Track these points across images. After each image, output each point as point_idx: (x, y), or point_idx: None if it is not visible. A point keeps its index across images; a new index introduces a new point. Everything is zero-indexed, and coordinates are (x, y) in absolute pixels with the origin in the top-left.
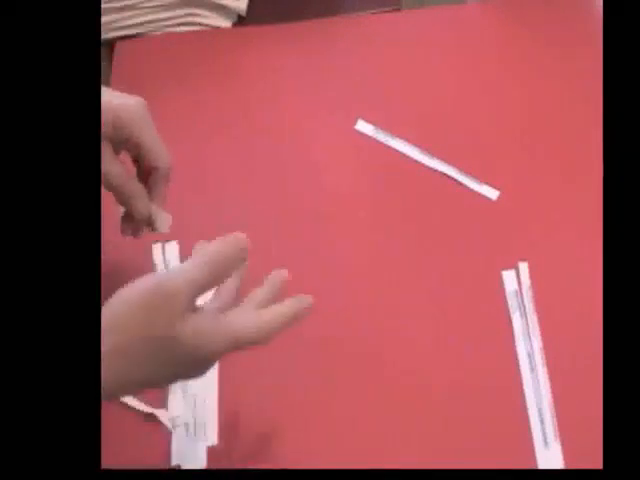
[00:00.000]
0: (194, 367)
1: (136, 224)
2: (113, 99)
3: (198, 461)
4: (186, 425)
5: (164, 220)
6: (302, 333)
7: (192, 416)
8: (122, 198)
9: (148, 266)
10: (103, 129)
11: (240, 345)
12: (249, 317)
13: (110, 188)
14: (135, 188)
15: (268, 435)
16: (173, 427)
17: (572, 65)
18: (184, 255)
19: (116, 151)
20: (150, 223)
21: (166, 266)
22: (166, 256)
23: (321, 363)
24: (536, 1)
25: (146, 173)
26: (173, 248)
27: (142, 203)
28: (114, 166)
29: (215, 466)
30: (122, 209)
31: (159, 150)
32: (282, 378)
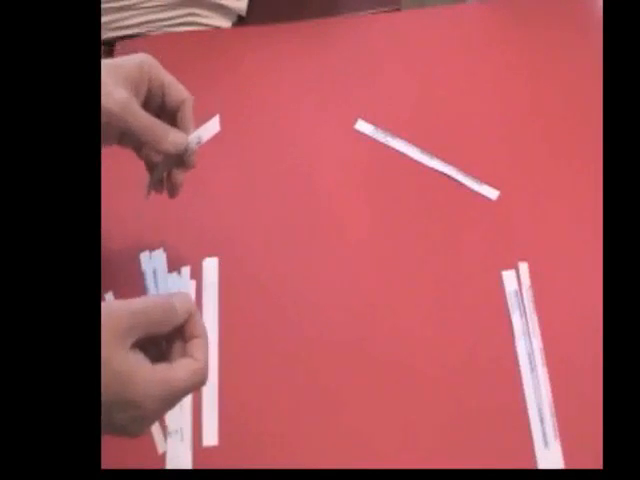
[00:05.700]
0: (125, 409)
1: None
2: (127, 58)
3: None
4: (180, 430)
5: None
6: (302, 334)
7: (188, 420)
8: (158, 136)
9: (136, 275)
10: (129, 77)
11: (177, 395)
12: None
13: (144, 131)
14: (166, 125)
15: (268, 435)
16: (166, 436)
17: (572, 65)
18: (171, 264)
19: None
20: (186, 155)
21: (154, 274)
22: (154, 264)
23: (321, 363)
24: (536, 1)
25: (174, 109)
26: (160, 256)
27: (177, 134)
28: (144, 114)
29: (215, 467)
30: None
31: (180, 85)
32: (282, 378)
